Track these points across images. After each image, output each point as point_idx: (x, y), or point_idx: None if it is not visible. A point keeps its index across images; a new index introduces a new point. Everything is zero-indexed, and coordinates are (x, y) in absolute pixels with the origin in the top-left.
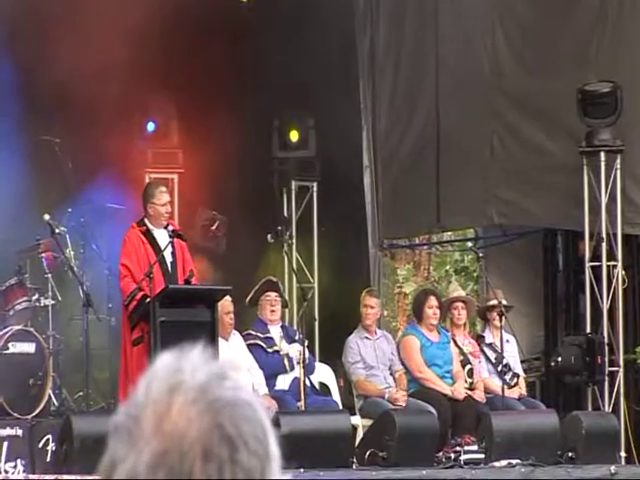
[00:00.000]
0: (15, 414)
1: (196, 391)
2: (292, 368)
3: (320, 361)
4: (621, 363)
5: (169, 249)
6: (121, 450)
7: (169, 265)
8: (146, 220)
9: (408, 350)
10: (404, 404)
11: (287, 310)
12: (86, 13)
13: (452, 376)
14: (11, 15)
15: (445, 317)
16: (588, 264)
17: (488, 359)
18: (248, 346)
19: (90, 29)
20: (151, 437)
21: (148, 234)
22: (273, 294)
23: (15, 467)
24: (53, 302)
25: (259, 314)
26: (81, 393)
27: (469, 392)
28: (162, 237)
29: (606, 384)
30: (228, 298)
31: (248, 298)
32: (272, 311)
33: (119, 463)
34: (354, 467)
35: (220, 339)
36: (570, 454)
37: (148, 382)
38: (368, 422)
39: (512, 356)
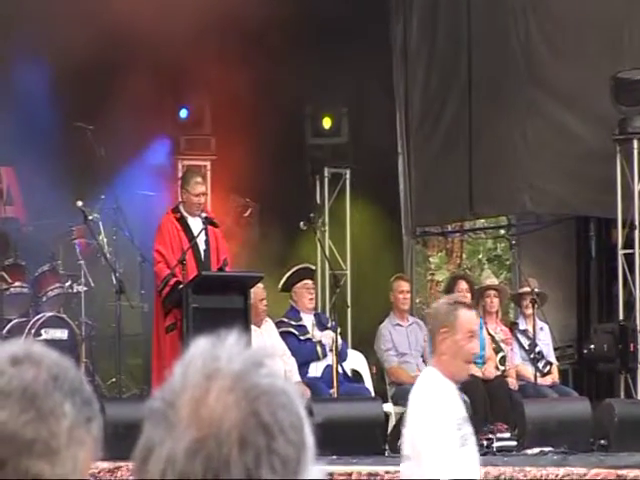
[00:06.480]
0: None
1: (233, 378)
2: (324, 355)
3: (352, 348)
4: None
5: (202, 237)
6: (157, 435)
7: (202, 253)
8: (181, 207)
9: None
10: None
11: (319, 297)
12: None
13: (484, 361)
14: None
15: (477, 304)
16: (621, 251)
17: (521, 346)
18: (280, 334)
19: (122, 15)
20: (189, 423)
21: (182, 221)
22: (310, 282)
23: None
24: (86, 288)
25: (292, 301)
26: (114, 379)
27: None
28: (196, 224)
29: (639, 371)
30: (260, 285)
31: (280, 284)
32: (310, 299)
33: (156, 447)
34: (386, 454)
35: (252, 326)
36: (603, 442)
37: (184, 368)
38: (400, 409)
39: (545, 344)
